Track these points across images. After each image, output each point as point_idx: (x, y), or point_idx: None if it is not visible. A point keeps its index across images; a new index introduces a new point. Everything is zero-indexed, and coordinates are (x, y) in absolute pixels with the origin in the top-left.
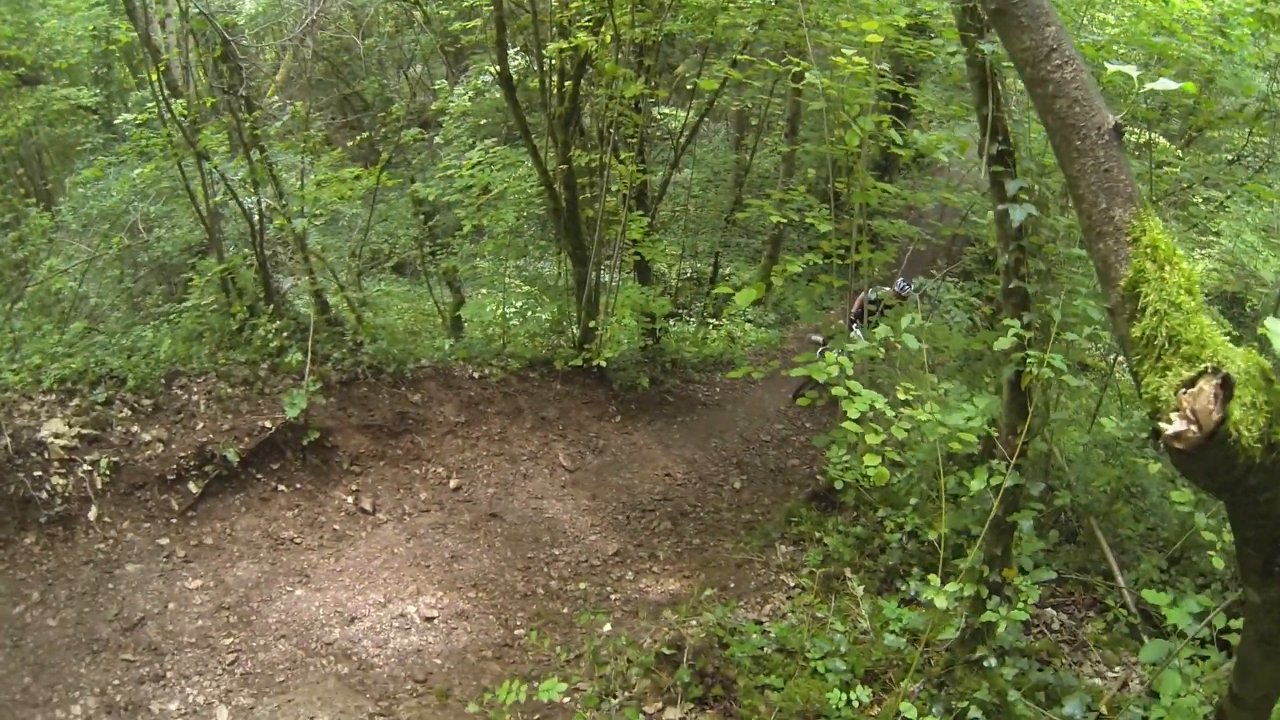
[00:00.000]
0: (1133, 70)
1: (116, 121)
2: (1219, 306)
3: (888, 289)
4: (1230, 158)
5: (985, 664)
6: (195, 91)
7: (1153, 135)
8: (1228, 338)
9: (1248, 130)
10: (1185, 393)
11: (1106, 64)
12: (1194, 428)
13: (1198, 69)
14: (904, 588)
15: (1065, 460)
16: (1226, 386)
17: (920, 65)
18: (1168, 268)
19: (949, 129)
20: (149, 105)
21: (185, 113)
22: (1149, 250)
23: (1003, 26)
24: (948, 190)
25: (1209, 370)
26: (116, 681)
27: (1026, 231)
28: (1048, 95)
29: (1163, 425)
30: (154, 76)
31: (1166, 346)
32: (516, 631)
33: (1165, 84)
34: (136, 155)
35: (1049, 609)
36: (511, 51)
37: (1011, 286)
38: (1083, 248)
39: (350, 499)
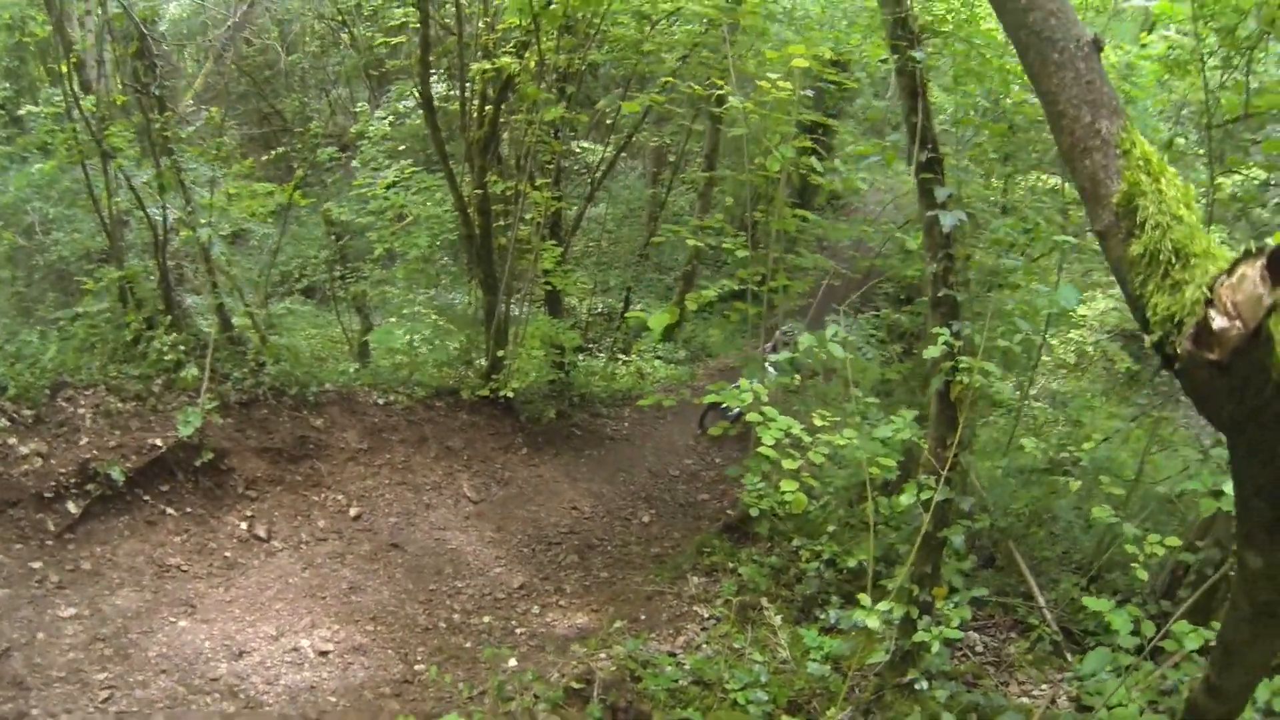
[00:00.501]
0: None
1: (21, 113)
2: (1119, 342)
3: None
4: None
5: (917, 687)
6: (107, 89)
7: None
8: None
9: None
10: (1225, 283)
11: None
12: (1237, 323)
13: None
14: (823, 616)
15: (982, 485)
16: (1276, 263)
17: (840, 105)
18: (1163, 180)
19: (868, 170)
20: (56, 99)
21: (94, 109)
22: (1142, 163)
23: None
24: (863, 221)
25: (1252, 252)
26: None
27: (954, 239)
28: (1019, 9)
29: (1183, 343)
30: (64, 68)
31: (1174, 261)
32: (417, 667)
33: None
34: (38, 149)
35: (971, 632)
36: (434, 75)
37: (940, 295)
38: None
39: (244, 525)
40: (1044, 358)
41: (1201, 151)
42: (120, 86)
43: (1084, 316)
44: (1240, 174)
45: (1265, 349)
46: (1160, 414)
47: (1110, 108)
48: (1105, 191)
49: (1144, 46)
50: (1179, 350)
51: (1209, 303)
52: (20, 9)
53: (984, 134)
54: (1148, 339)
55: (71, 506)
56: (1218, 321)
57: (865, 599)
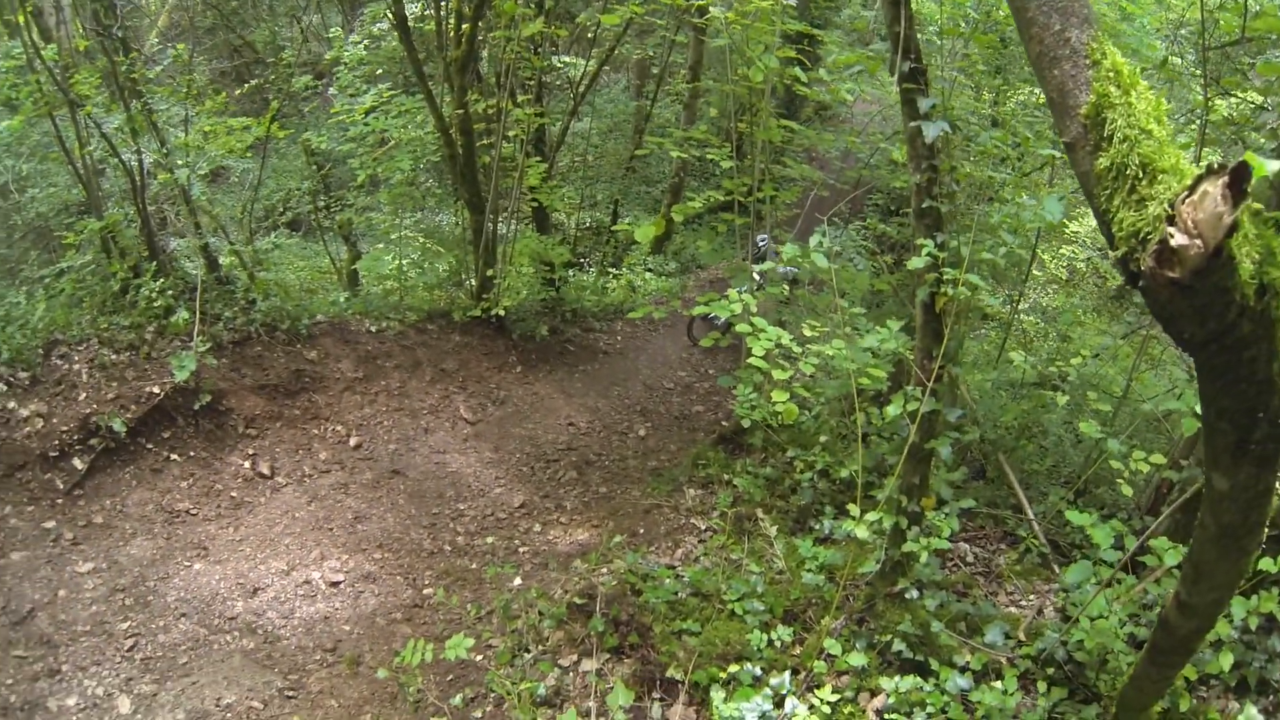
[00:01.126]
0: None
1: None
2: (1110, 260)
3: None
4: None
5: (907, 596)
6: (69, 35)
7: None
8: None
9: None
10: (1186, 200)
11: None
12: (1197, 242)
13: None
14: (817, 527)
15: (972, 398)
16: (1238, 181)
17: (826, 15)
18: (1133, 93)
19: (855, 80)
20: (16, 52)
21: (56, 58)
22: (1112, 74)
23: None
24: (850, 132)
25: (1213, 169)
26: (10, 680)
27: (938, 150)
28: None
29: (1146, 260)
30: (21, 18)
31: (1140, 176)
32: (425, 591)
33: None
34: (3, 105)
35: (962, 543)
36: None
37: (924, 206)
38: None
39: (247, 464)
40: (1034, 272)
41: (1198, 72)
42: (81, 31)
43: (1075, 232)
44: (1236, 96)
45: (1226, 270)
46: (1150, 332)
47: (1081, 16)
48: (1073, 102)
49: None
50: (1142, 268)
51: (1170, 220)
52: None
53: (973, 46)
54: (1112, 254)
55: (77, 463)
56: (1178, 239)
57: (854, 509)
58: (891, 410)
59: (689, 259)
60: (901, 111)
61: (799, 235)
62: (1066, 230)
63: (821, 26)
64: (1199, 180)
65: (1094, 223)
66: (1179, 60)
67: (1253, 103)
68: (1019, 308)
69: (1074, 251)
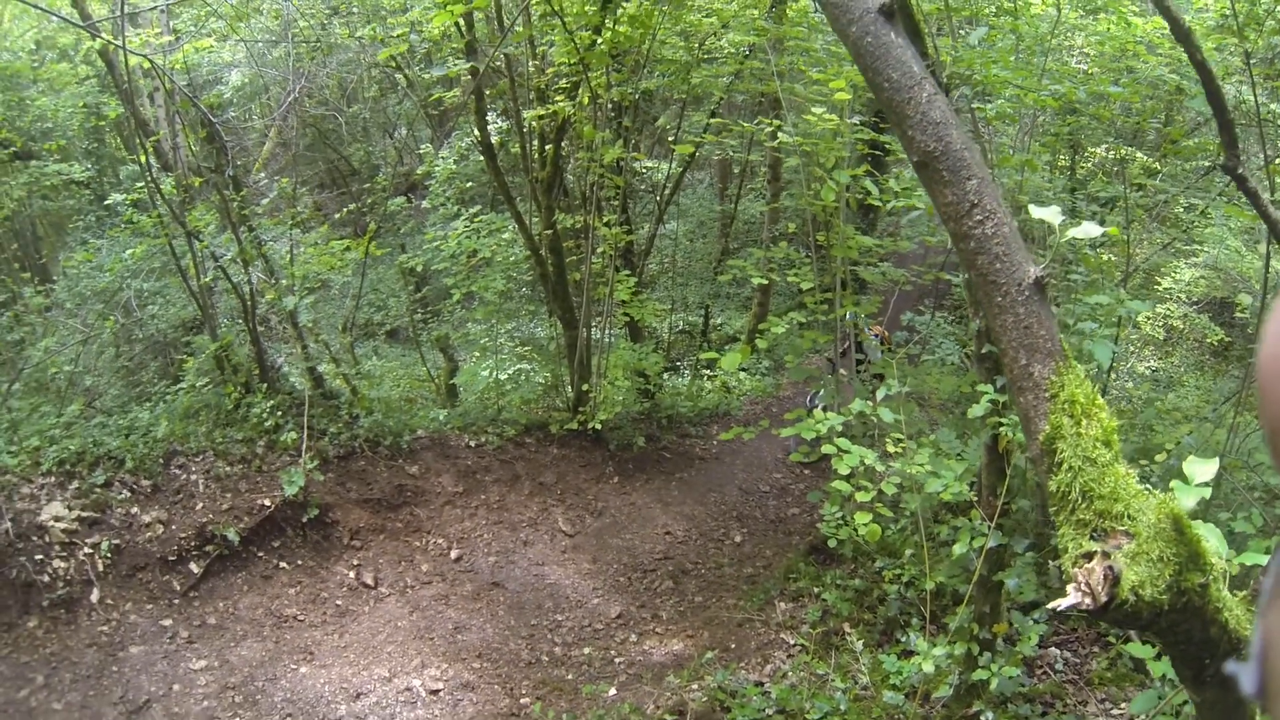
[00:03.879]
0: (1054, 216)
1: (108, 201)
2: (1209, 314)
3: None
4: (1207, 164)
5: (981, 719)
6: (184, 170)
7: (1127, 152)
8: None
9: (1218, 141)
10: (1082, 567)
11: (1030, 207)
12: (1088, 600)
13: (1166, 87)
14: (903, 639)
15: None
16: (1114, 574)
17: None
18: (1084, 421)
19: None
20: (139, 185)
21: (174, 191)
22: (1066, 405)
23: (926, 179)
24: (927, 230)
25: (1100, 553)
26: None
27: None
28: (970, 250)
29: (1064, 595)
30: (143, 158)
31: (1080, 501)
32: (522, 700)
33: (1087, 228)
34: (129, 234)
35: (1053, 649)
36: (491, 115)
37: (984, 351)
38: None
39: (352, 574)
40: (1128, 335)
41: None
42: (196, 166)
43: (1169, 289)
44: None
45: (1121, 608)
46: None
47: (1044, 351)
48: (1034, 428)
49: (1199, 12)
50: (1065, 591)
51: (1072, 579)
52: (94, 95)
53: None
54: (1059, 562)
55: (194, 567)
56: (1072, 597)
57: (923, 644)
58: (958, 549)
59: (782, 356)
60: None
61: (887, 328)
62: (1160, 287)
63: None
64: (1092, 554)
65: (1187, 276)
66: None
67: None
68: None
69: (1170, 309)
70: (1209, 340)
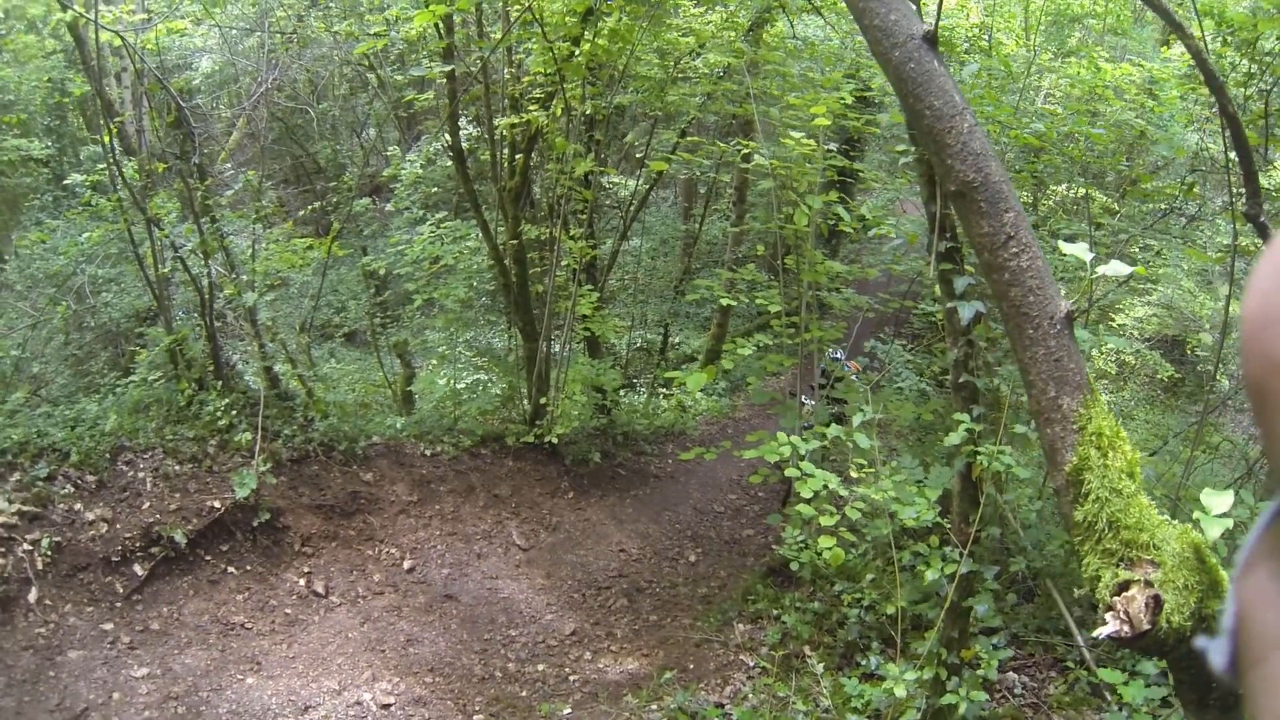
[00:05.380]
0: (1085, 253)
1: (67, 182)
2: (1160, 350)
3: (837, 357)
4: (1164, 208)
5: None
6: (148, 155)
7: (1089, 191)
8: (1167, 519)
9: (1181, 185)
10: (1120, 596)
11: (1062, 244)
12: (1126, 628)
13: (1131, 130)
14: (864, 662)
15: (1020, 525)
16: (1158, 603)
17: (865, 134)
18: (1110, 453)
19: (894, 190)
20: (100, 166)
21: (136, 176)
22: (1094, 438)
23: (962, 209)
24: (893, 258)
25: (1142, 581)
26: None
27: (974, 327)
28: (1003, 282)
29: (1100, 621)
30: (106, 139)
31: (1107, 531)
32: (475, 718)
33: (1116, 267)
34: (86, 217)
35: (1010, 673)
36: (463, 121)
37: (961, 381)
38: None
39: (302, 581)
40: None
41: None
42: (161, 151)
43: (1122, 325)
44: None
45: (1155, 637)
46: (1208, 421)
47: (1074, 384)
48: (1061, 459)
49: (1165, 61)
50: (1099, 617)
51: (1109, 607)
52: (59, 71)
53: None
54: (1085, 588)
55: (138, 569)
56: (1111, 626)
57: (893, 668)
58: (929, 575)
59: (740, 377)
60: (940, 288)
61: (849, 355)
62: (1115, 323)
63: (859, 143)
64: (1129, 583)
65: (1141, 314)
66: (1215, 148)
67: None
68: None
69: (1122, 345)
70: (1160, 376)
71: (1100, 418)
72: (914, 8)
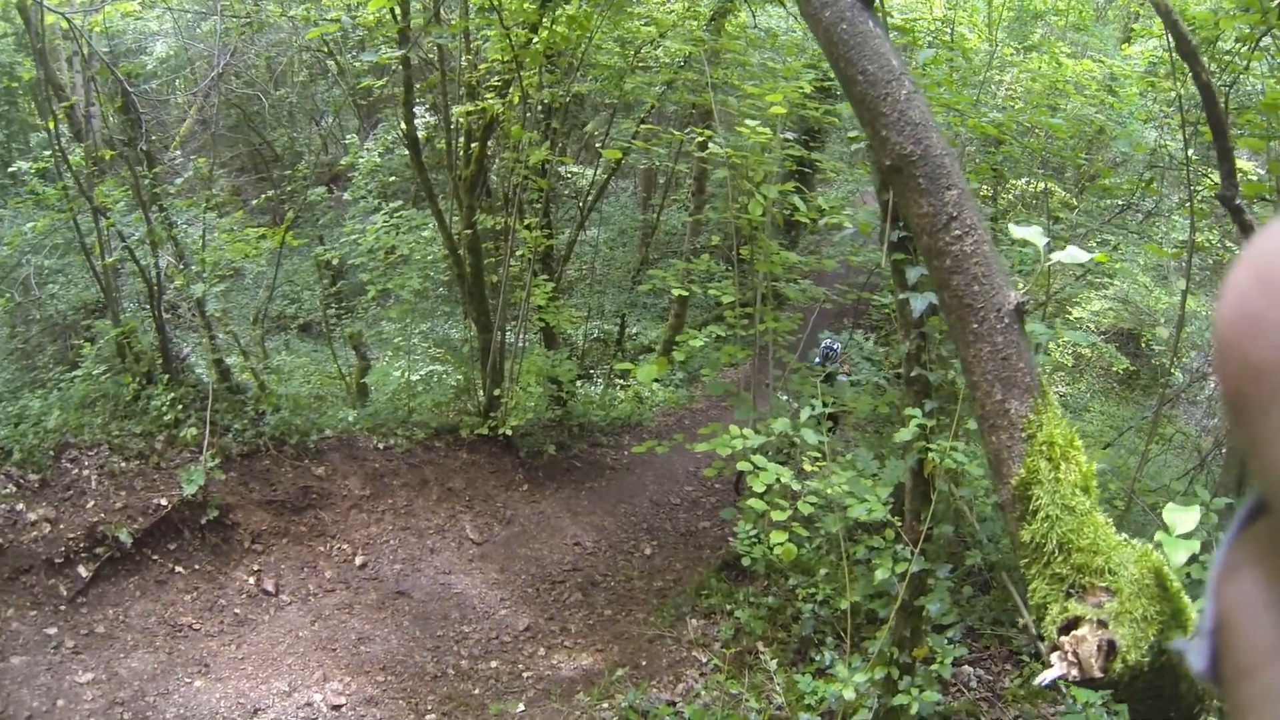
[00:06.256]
0: (1038, 237)
1: (12, 169)
2: (1116, 344)
3: (834, 347)
4: (1122, 203)
5: None
6: (95, 141)
7: (1048, 185)
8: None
9: (1140, 181)
10: (1069, 635)
11: (1011, 227)
12: (1075, 671)
13: (1090, 126)
14: (818, 658)
15: (976, 519)
16: (1112, 648)
17: (825, 125)
18: (1063, 465)
19: (854, 182)
20: (48, 153)
21: (83, 163)
22: (1044, 447)
23: (899, 186)
24: (850, 250)
25: (1095, 621)
26: None
27: (927, 319)
28: (945, 269)
29: (1046, 662)
30: (52, 124)
31: (1057, 553)
32: (428, 717)
33: (1073, 253)
34: (32, 206)
35: (966, 666)
36: (420, 109)
37: (913, 374)
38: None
39: (252, 580)
40: (1041, 360)
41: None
42: (109, 138)
43: (1079, 318)
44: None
45: (1105, 678)
46: (1163, 413)
47: (1023, 386)
48: (1007, 471)
49: (1126, 59)
50: (1045, 657)
51: (1056, 646)
52: (8, 54)
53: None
54: (1027, 618)
55: (82, 570)
56: (1057, 669)
57: (843, 669)
58: (879, 575)
59: (697, 368)
60: (893, 278)
61: (805, 344)
62: (1071, 316)
63: (819, 134)
64: (1079, 620)
65: (1097, 307)
66: (1171, 145)
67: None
68: None
69: (1079, 340)
70: (1115, 369)
71: (1052, 424)
72: None
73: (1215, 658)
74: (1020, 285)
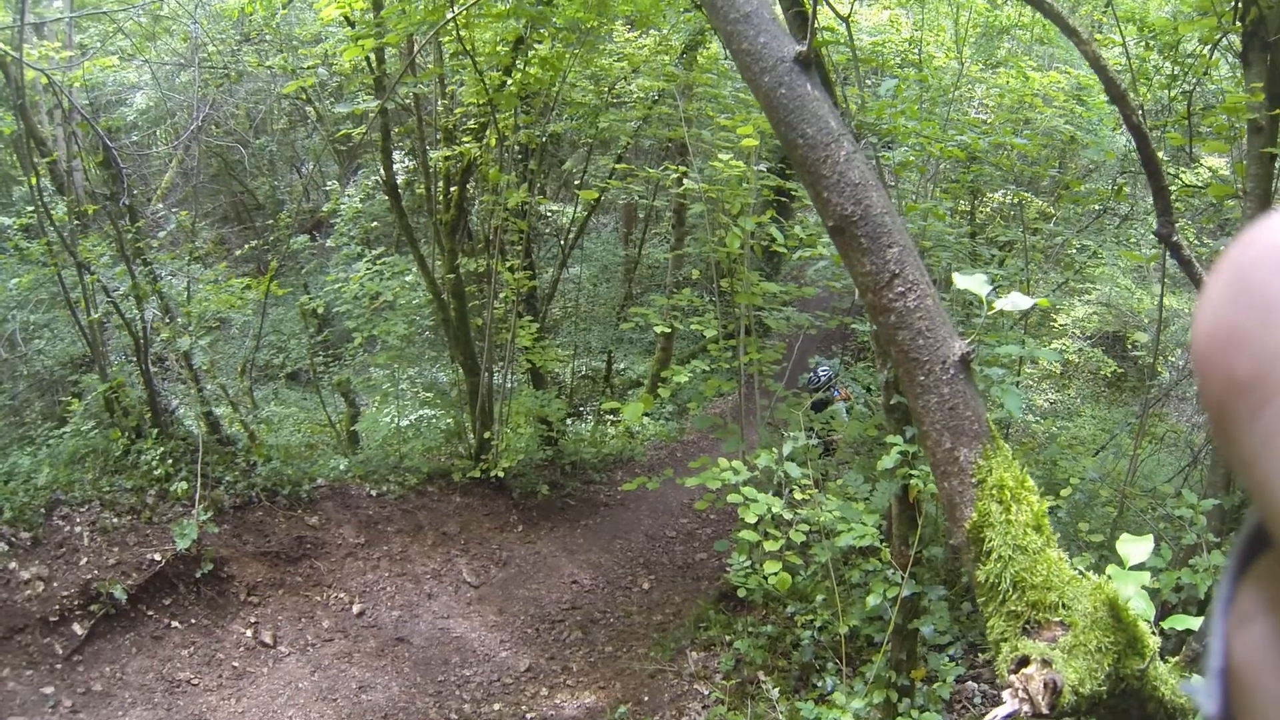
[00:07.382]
0: (980, 287)
1: None
2: (1102, 347)
3: (823, 373)
4: (1097, 209)
5: None
6: (78, 196)
7: (1021, 199)
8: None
9: (1112, 187)
10: (1019, 673)
11: (955, 276)
12: (1026, 707)
13: (1061, 136)
14: (819, 684)
15: None
16: (1055, 685)
17: None
18: (1014, 507)
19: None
20: (31, 209)
21: (66, 218)
22: (995, 491)
23: (843, 246)
24: (832, 275)
25: (1040, 660)
26: None
27: None
28: (889, 325)
29: (999, 699)
30: (34, 179)
31: (1011, 591)
32: None
33: (1015, 300)
34: (17, 260)
35: (970, 683)
36: (398, 155)
37: (892, 403)
38: None
39: (249, 632)
40: (1027, 370)
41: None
42: (90, 193)
43: (1064, 325)
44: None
45: (1060, 712)
46: (1152, 412)
47: (971, 433)
48: (960, 515)
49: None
50: (1001, 686)
51: (1008, 684)
52: None
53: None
54: (988, 654)
55: (77, 628)
56: (1009, 705)
57: (840, 696)
58: (871, 600)
59: (686, 401)
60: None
61: (791, 372)
62: (1056, 324)
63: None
64: (1027, 659)
65: (1081, 313)
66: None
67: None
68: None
69: (1065, 344)
70: (1103, 372)
71: (1001, 469)
72: (784, 30)
73: (1227, 699)
74: (969, 333)
